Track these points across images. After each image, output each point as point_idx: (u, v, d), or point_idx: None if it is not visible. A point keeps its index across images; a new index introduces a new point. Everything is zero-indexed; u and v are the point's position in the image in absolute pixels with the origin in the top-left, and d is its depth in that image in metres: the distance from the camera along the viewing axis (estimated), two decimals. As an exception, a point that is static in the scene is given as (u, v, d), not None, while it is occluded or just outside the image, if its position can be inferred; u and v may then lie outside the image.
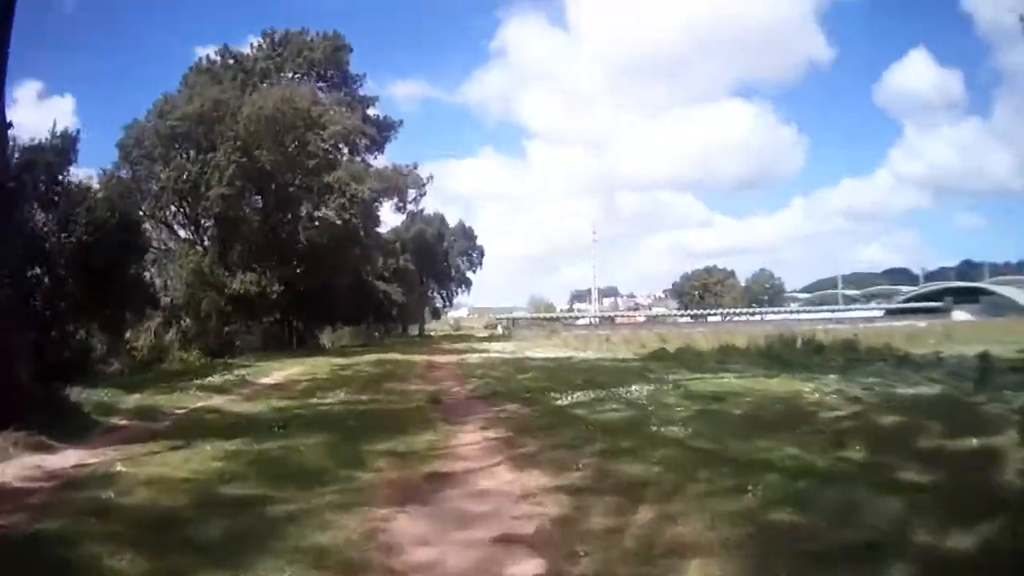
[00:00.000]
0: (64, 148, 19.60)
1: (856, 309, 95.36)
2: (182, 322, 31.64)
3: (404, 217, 57.57)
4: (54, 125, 19.49)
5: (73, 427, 10.57)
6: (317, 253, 35.87)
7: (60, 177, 19.49)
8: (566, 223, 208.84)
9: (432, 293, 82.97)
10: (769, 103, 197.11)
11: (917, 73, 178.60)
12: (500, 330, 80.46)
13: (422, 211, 52.08)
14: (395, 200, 43.32)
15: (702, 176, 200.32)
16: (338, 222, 34.79)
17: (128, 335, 28.69)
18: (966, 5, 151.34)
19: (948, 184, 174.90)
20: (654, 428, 9.52)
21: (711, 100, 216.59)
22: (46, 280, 18.48)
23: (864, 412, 10.20)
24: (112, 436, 10.56)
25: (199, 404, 14.35)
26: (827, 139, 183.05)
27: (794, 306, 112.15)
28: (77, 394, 13.90)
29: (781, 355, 22.72)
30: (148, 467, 7.98)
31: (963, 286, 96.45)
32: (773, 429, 8.99)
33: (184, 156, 32.78)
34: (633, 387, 14.06)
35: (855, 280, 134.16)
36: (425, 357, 29.97)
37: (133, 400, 14.15)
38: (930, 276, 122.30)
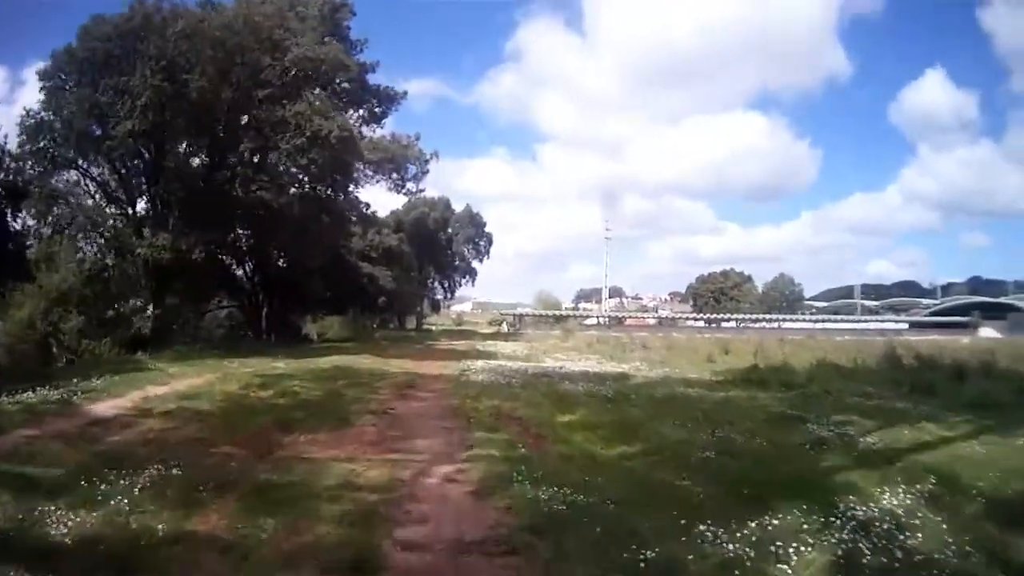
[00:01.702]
0: None
1: (875, 320, 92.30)
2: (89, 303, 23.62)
3: (404, 200, 52.50)
4: None
5: None
6: (268, 214, 27.08)
7: None
8: (574, 223, 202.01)
9: (433, 283, 74.74)
10: (784, 116, 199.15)
11: (933, 93, 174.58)
12: (505, 327, 72.78)
13: (423, 191, 43.80)
14: (392, 177, 36.43)
15: (713, 184, 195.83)
16: (294, 170, 26.20)
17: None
18: (985, 26, 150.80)
19: (957, 203, 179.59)
20: None
21: (726, 110, 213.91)
22: None
23: None
24: None
25: None
26: (840, 155, 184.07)
27: (806, 314, 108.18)
28: None
29: (921, 381, 16.12)
30: None
31: (990, 301, 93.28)
32: None
33: (94, 84, 23.59)
34: (883, 497, 6.40)
35: (869, 291, 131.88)
36: (411, 364, 21.11)
37: None
38: (944, 291, 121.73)
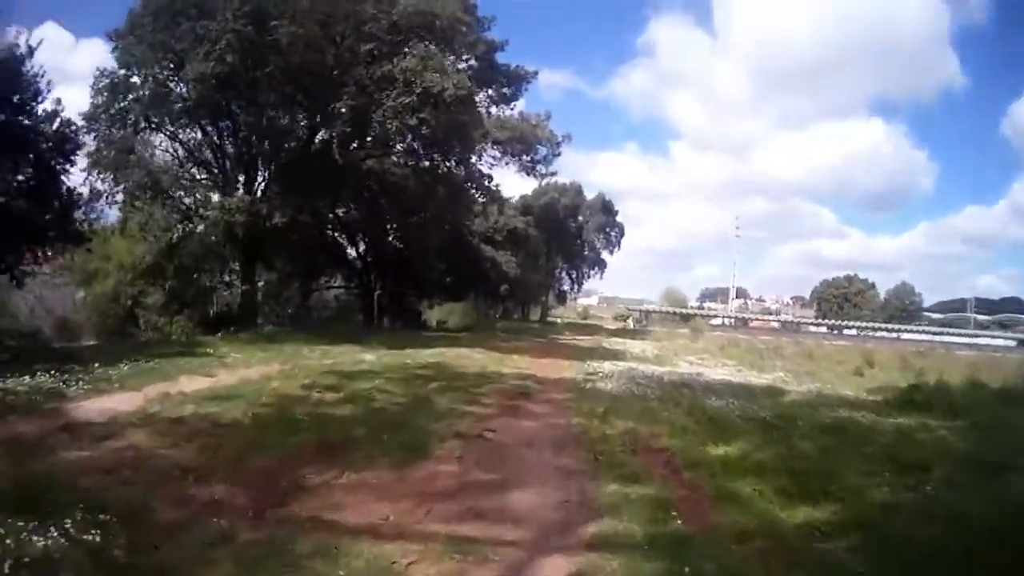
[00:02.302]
0: None
1: (986, 335, 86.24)
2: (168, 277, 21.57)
3: (532, 187, 52.49)
4: None
5: None
6: (379, 186, 24.18)
7: None
8: (702, 222, 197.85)
9: (560, 273, 71.06)
10: (902, 124, 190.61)
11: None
12: (631, 323, 69.37)
13: (554, 175, 41.52)
14: (522, 159, 33.48)
15: (835, 189, 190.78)
16: (405, 134, 22.53)
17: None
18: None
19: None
20: None
21: (849, 116, 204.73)
22: None
23: None
24: None
25: None
26: (954, 165, 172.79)
27: (922, 325, 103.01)
28: None
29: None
30: None
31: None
32: None
33: (171, 31, 20.77)
34: None
35: (980, 305, 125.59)
36: (527, 363, 17.79)
37: None
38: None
